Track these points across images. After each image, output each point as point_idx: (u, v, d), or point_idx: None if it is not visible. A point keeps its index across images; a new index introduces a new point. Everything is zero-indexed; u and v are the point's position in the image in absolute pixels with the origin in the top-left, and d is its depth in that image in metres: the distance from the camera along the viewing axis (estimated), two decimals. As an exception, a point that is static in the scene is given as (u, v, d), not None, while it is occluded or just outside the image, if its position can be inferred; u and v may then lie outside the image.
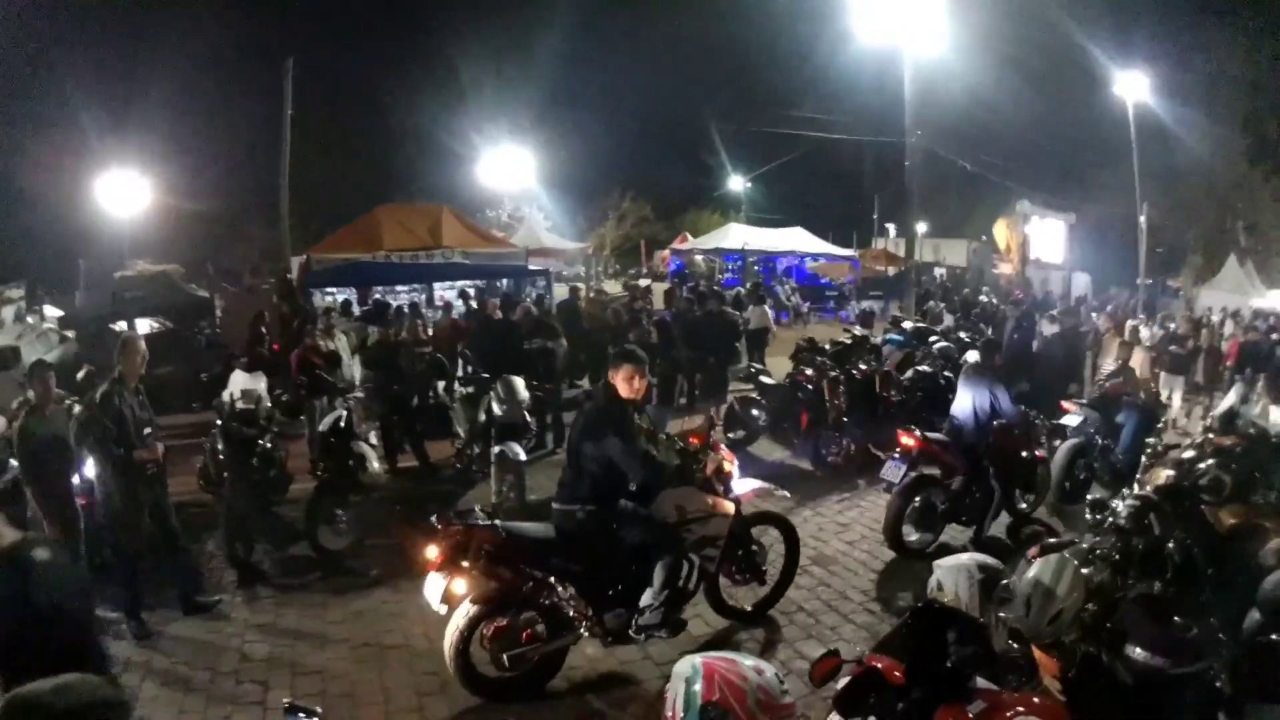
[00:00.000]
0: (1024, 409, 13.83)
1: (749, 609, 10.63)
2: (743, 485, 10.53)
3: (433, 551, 8.53)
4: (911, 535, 12.65)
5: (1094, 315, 32.05)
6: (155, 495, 10.73)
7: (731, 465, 10.41)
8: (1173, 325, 28.62)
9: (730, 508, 9.88)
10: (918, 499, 12.60)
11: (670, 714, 3.90)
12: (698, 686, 3.81)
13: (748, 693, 3.76)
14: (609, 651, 9.49)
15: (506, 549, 8.64)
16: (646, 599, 9.10)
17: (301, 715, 3.65)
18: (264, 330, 20.32)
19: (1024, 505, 13.60)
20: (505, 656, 8.62)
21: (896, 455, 12.90)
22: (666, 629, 9.23)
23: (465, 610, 8.56)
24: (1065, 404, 16.18)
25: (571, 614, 8.82)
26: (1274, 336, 27.19)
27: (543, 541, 8.99)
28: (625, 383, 9.14)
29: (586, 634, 8.98)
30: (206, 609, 10.87)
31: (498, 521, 8.96)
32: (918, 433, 12.96)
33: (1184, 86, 50.74)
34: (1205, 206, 55.76)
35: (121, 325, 21.79)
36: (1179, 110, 49.90)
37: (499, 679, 8.74)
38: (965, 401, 13.13)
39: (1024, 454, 13.51)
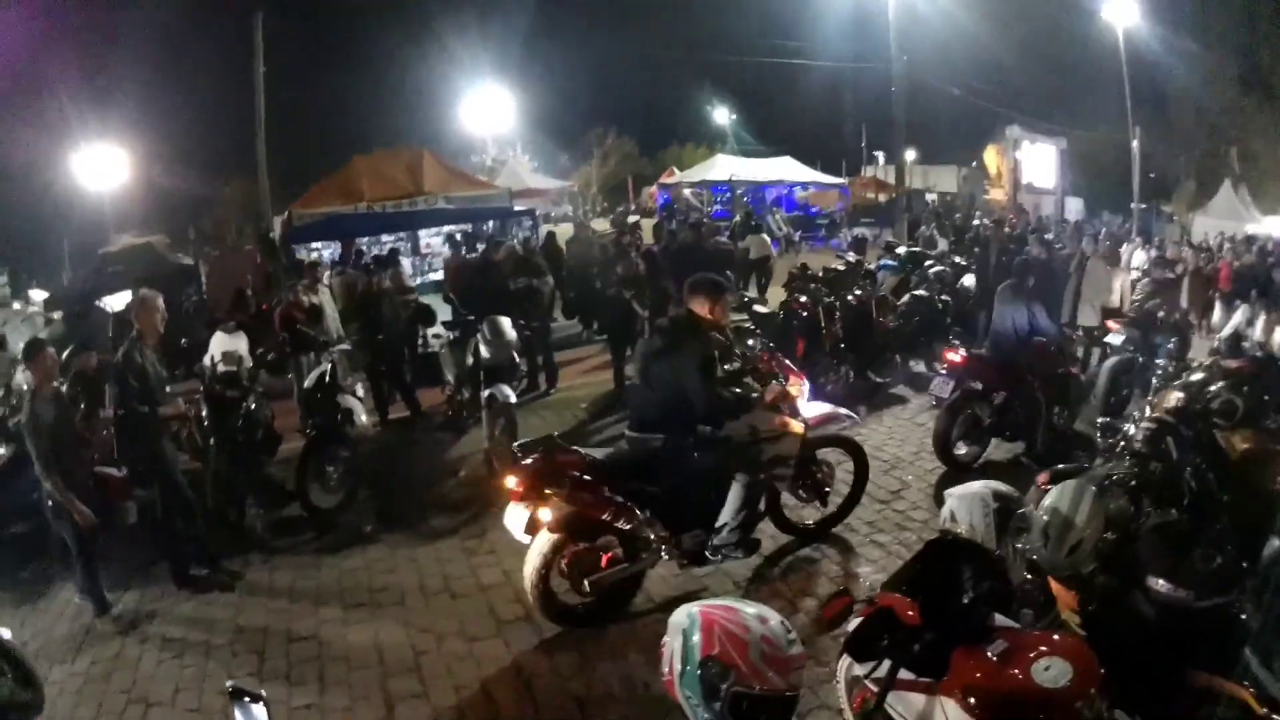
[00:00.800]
0: (1062, 326, 14.46)
1: (812, 525, 10.81)
2: (811, 409, 10.63)
3: (514, 480, 8.60)
4: (960, 449, 12.93)
5: (1083, 240, 32.02)
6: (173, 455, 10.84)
7: (799, 389, 10.57)
8: (1155, 251, 28.60)
9: (800, 428, 9.96)
10: (965, 414, 12.90)
11: (668, 670, 3.65)
12: (696, 639, 3.55)
13: (750, 644, 3.49)
14: (686, 574, 9.67)
15: (589, 475, 8.79)
16: (723, 519, 9.31)
17: (246, 699, 3.41)
18: (247, 293, 20.05)
19: (1060, 420, 13.74)
20: (586, 582, 8.76)
21: (944, 371, 13.34)
22: (742, 549, 9.45)
23: (547, 538, 8.69)
24: (1110, 323, 16.29)
25: (650, 537, 8.97)
26: (1271, 260, 27.14)
27: (621, 466, 9.11)
28: (703, 309, 9.26)
29: (665, 557, 9.14)
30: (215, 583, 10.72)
31: (579, 448, 9.25)
32: (963, 349, 13.36)
33: (1175, 12, 50.57)
34: (1198, 133, 55.81)
35: (108, 301, 21.61)
36: (1170, 36, 49.87)
37: (578, 606, 8.92)
38: (1004, 320, 13.42)
39: (1060, 370, 13.80)
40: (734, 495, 9.32)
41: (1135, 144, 46.80)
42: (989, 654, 4.85)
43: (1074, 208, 54.04)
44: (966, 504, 5.67)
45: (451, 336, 15.78)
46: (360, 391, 14.71)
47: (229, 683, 3.59)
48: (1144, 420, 8.70)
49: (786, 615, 3.92)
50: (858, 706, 5.64)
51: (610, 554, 8.91)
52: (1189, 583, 6.03)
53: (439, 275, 25.10)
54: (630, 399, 10.15)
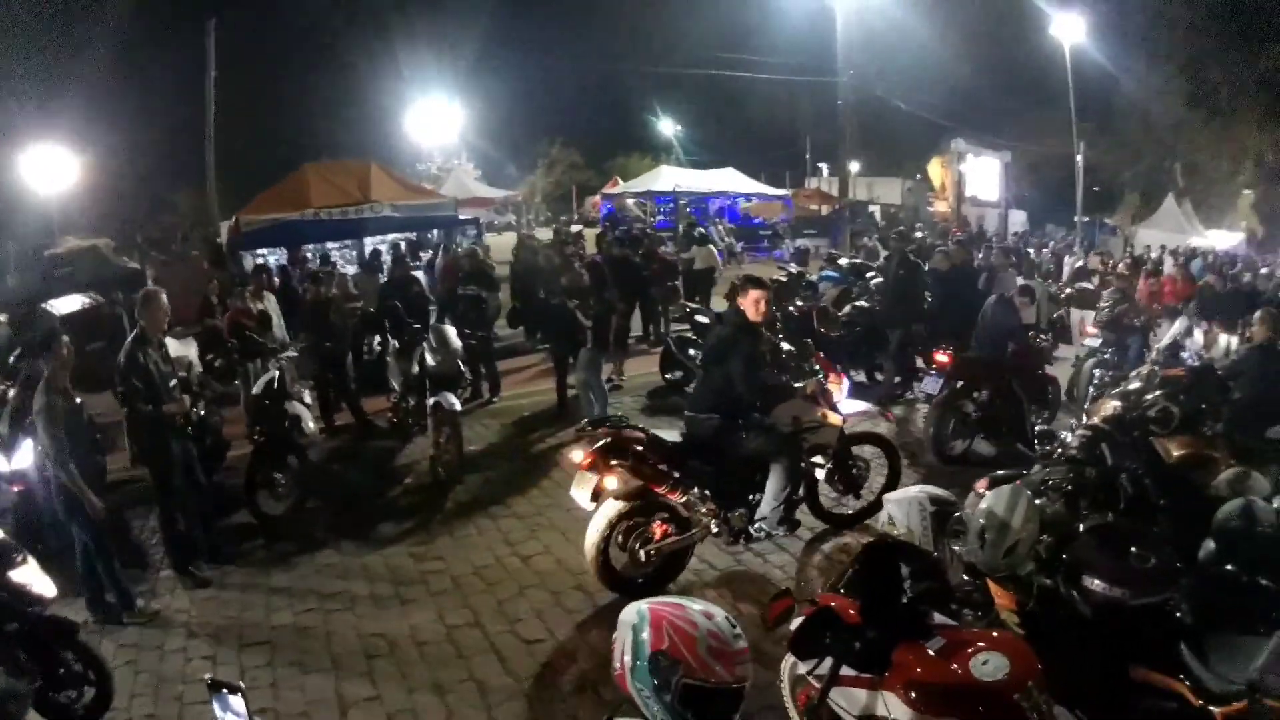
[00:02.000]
0: (1032, 333, 15.58)
1: (850, 513, 11.50)
2: (849, 405, 11.80)
3: (580, 454, 9.43)
4: (948, 443, 13.91)
5: (1029, 251, 32.33)
6: (186, 451, 10.84)
7: (838, 386, 12.07)
8: (1081, 262, 28.95)
9: (838, 420, 10.92)
10: (953, 411, 13.95)
11: (619, 665, 3.77)
12: (645, 635, 3.68)
13: (698, 639, 3.62)
14: (728, 553, 10.60)
15: (650, 450, 9.60)
16: (766, 499, 10.05)
17: (224, 691, 3.50)
18: (213, 299, 19.90)
19: (1038, 421, 14.22)
20: (641, 551, 9.53)
21: (934, 372, 14.58)
22: (784, 527, 10.30)
23: (609, 507, 9.44)
24: (1086, 328, 18.02)
25: (702, 512, 9.80)
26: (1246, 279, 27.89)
27: (677, 445, 9.94)
28: (752, 306, 10.19)
29: (714, 531, 9.93)
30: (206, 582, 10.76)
31: (642, 425, 10.16)
32: (950, 351, 14.59)
33: (1122, 29, 51.15)
34: (1143, 146, 56.37)
35: (53, 304, 21.45)
36: (1117, 51, 50.34)
37: (631, 576, 9.59)
38: (991, 327, 14.52)
39: (1038, 371, 15.10)
40: (774, 477, 10.02)
41: (1079, 158, 47.25)
42: (929, 650, 5.00)
43: (1017, 220, 54.55)
44: (904, 508, 5.83)
45: (396, 345, 15.86)
46: (308, 399, 14.71)
47: (207, 675, 3.69)
48: (1079, 428, 8.92)
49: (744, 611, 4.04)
50: (802, 704, 5.77)
51: (665, 526, 9.66)
52: (1124, 582, 6.16)
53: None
54: (695, 384, 11.02)
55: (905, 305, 17.14)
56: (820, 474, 10.97)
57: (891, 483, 11.44)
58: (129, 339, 10.42)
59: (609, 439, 9.52)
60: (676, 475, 9.64)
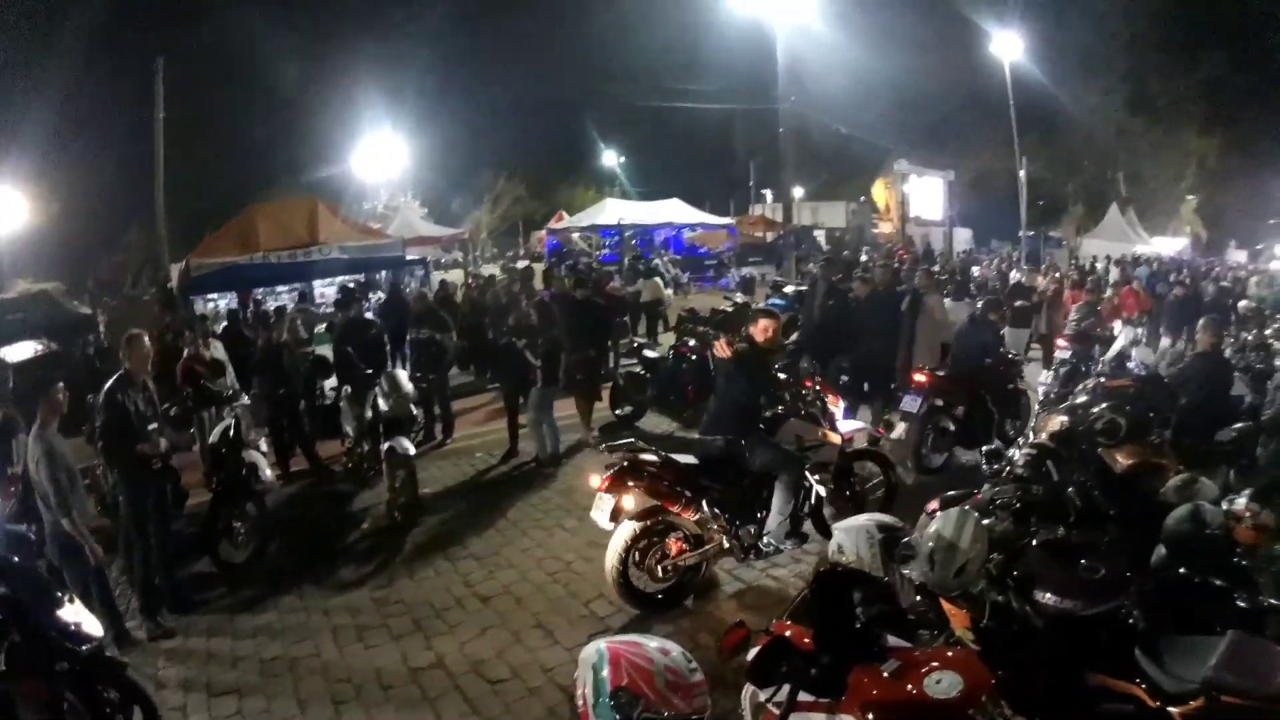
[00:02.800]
0: (1005, 352, 16.10)
1: None
2: (847, 425, 12.53)
3: (597, 478, 10.09)
4: (929, 456, 14.64)
5: (975, 270, 32.45)
6: (160, 495, 11.04)
7: (835, 407, 12.49)
8: (1020, 276, 29.10)
9: (838, 439, 11.75)
10: (932, 425, 14.66)
11: (581, 702, 3.84)
12: (605, 672, 3.78)
13: (655, 674, 3.73)
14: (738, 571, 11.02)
15: (664, 471, 10.23)
16: (773, 514, 10.59)
17: None
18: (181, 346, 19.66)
19: (1012, 432, 14.99)
20: (659, 567, 10.06)
21: (912, 389, 14.70)
22: (792, 540, 10.78)
23: (626, 528, 9.93)
24: (1058, 341, 18.98)
25: (714, 528, 10.34)
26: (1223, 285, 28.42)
27: (690, 466, 10.47)
28: (761, 333, 11.01)
29: (726, 544, 10.41)
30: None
31: (656, 448, 10.56)
32: (928, 369, 14.92)
33: (1060, 43, 51.69)
34: (1085, 158, 56.80)
35: (4, 351, 21.33)
36: (1056, 66, 50.84)
37: (650, 591, 10.11)
38: (968, 345, 15.35)
39: (1010, 386, 15.76)
40: (780, 493, 10.56)
41: (1022, 173, 47.55)
42: (883, 672, 5.05)
43: (963, 238, 54.75)
44: (852, 536, 5.91)
45: (348, 390, 15.87)
46: (264, 446, 14.70)
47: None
48: (1025, 446, 9.04)
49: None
50: (762, 732, 5.86)
51: (680, 544, 10.19)
52: (1074, 593, 6.27)
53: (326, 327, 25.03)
54: (711, 405, 11.33)
55: (831, 337, 17.04)
56: (822, 490, 11.42)
57: (889, 496, 12.20)
58: (112, 380, 10.50)
59: (625, 462, 10.16)
60: (689, 494, 10.21)
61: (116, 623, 10.00)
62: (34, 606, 7.46)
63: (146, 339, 10.90)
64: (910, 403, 14.78)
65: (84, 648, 7.55)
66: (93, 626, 7.69)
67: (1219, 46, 53.85)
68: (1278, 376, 12.95)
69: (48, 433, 9.62)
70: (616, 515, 9.95)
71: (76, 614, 7.63)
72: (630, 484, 10.03)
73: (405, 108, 58.40)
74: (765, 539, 10.54)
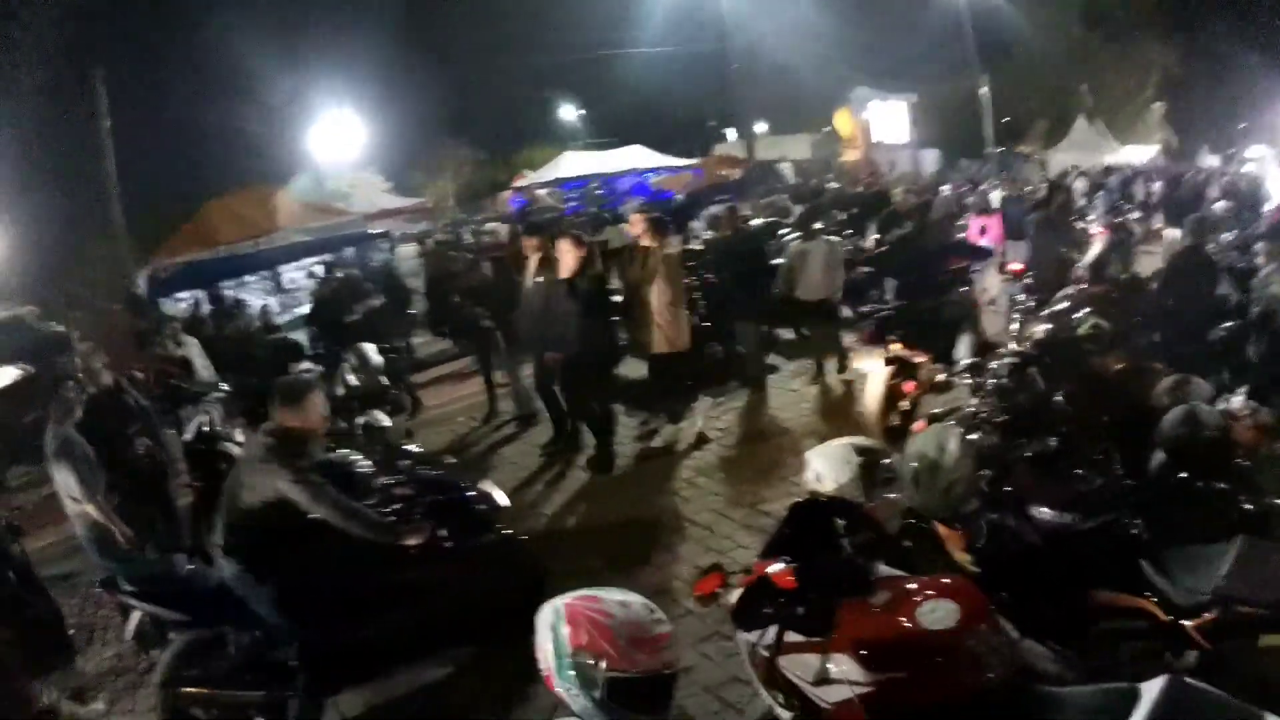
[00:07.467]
0: None
1: None
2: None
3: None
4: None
5: (942, 189, 32.22)
6: None
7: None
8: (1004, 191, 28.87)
9: None
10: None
11: (544, 667, 3.63)
12: (564, 631, 3.55)
13: (614, 630, 3.50)
14: None
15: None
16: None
17: None
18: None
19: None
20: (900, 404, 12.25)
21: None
22: None
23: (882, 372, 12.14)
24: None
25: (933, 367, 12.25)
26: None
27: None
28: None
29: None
30: None
31: None
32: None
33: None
34: (1046, 71, 56.79)
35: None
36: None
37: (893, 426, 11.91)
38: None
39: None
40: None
41: (984, 90, 47.51)
42: (873, 605, 4.89)
43: (929, 159, 54.62)
44: (829, 461, 5.69)
45: (319, 370, 15.67)
46: (240, 437, 14.52)
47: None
48: (1005, 355, 8.81)
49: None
50: (761, 674, 5.66)
51: (915, 385, 12.04)
52: (1071, 506, 6.08)
53: (306, 309, 24.86)
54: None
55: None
56: None
57: None
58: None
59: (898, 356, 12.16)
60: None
61: None
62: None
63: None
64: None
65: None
66: (500, 497, 8.81)
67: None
68: (1262, 273, 12.73)
69: (61, 428, 9.57)
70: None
71: (488, 486, 8.88)
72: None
73: (358, 84, 58.17)
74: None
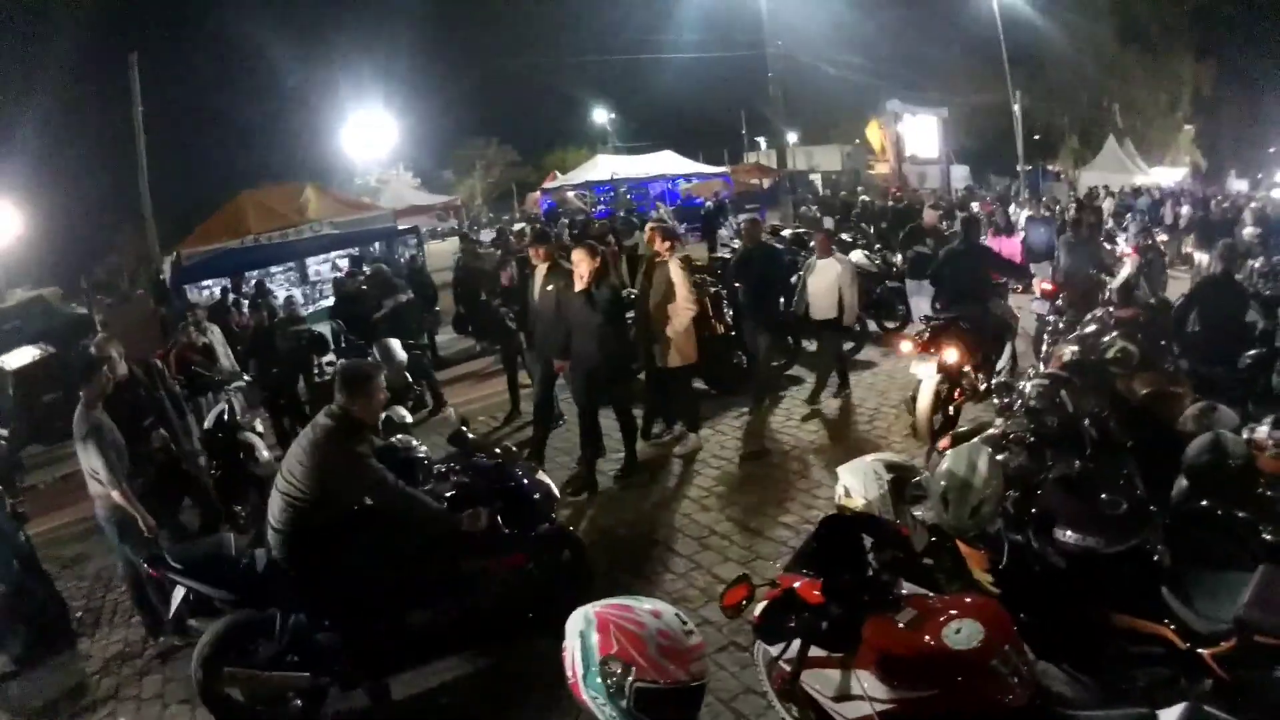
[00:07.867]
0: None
1: None
2: None
3: (912, 342, 12.97)
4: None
5: (973, 205, 32.18)
6: None
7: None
8: (1028, 211, 28.90)
9: None
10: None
11: (571, 674, 3.62)
12: (594, 639, 3.53)
13: (647, 639, 3.47)
14: None
15: (958, 335, 12.88)
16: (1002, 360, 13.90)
17: None
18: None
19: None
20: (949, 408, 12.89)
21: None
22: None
23: (933, 375, 12.47)
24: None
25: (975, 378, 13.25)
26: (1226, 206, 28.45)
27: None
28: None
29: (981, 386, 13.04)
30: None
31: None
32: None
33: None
34: (1078, 90, 56.72)
35: (4, 359, 21.21)
36: (1045, -1, 50.69)
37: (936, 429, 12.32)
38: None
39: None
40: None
41: (1016, 107, 47.42)
42: (899, 623, 4.87)
43: (959, 175, 54.58)
44: (859, 477, 5.71)
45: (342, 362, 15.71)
46: (260, 427, 14.50)
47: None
48: (1036, 376, 8.78)
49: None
50: (778, 686, 5.66)
51: (960, 392, 12.85)
52: (1096, 529, 6.05)
53: (329, 303, 24.86)
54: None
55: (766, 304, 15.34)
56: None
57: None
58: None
59: (934, 329, 13.01)
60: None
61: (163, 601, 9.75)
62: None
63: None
64: (1040, 305, 15.96)
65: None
66: (556, 490, 9.14)
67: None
68: (1290, 301, 12.72)
69: (93, 412, 9.52)
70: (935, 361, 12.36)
71: (547, 479, 9.17)
72: (941, 341, 12.63)
73: (392, 83, 58.40)
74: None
